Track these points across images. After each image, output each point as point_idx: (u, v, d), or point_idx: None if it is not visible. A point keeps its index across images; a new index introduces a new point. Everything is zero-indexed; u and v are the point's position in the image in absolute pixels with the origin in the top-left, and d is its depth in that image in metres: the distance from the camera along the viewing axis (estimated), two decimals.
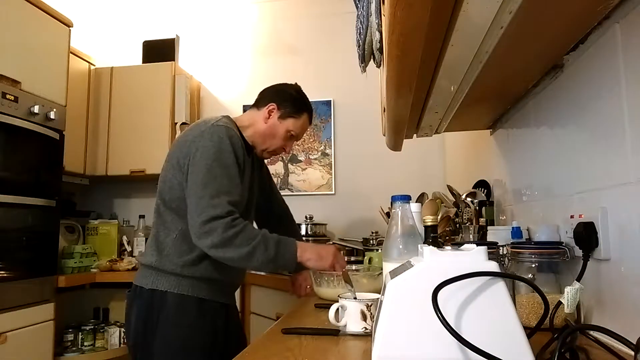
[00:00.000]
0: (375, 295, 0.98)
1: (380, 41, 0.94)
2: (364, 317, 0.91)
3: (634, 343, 0.58)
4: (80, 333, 2.53)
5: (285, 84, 1.51)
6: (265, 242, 1.22)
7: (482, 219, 1.55)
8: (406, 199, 1.01)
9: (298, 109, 1.46)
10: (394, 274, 0.69)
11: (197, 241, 1.23)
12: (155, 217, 1.38)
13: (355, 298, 0.97)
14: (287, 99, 1.46)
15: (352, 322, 0.92)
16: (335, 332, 0.92)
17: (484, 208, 1.61)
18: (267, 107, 1.45)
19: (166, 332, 1.26)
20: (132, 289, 1.35)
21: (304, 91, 1.51)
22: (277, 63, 3.09)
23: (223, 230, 1.18)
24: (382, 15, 0.80)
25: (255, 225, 1.58)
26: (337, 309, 0.92)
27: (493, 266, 0.63)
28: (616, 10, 0.78)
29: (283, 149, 1.49)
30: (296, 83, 1.53)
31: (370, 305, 0.91)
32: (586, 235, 0.85)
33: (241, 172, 1.32)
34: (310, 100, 1.51)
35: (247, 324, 2.33)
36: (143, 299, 1.30)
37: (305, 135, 3.25)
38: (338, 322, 0.92)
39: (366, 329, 0.91)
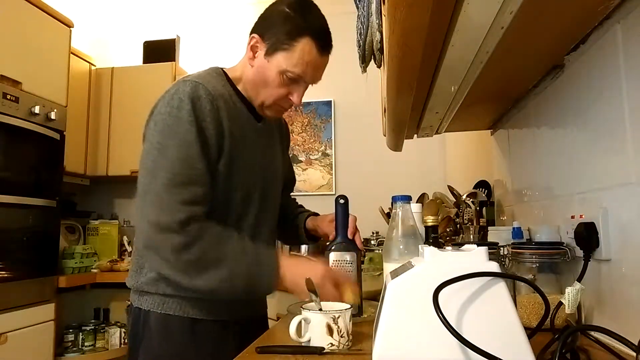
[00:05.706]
0: (344, 306, 0.85)
1: (381, 41, 0.94)
2: (330, 332, 0.78)
3: (635, 344, 0.58)
4: (80, 333, 2.53)
5: (277, 1, 1.03)
6: (232, 273, 0.91)
7: (482, 220, 1.56)
8: (407, 199, 1.01)
9: (289, 34, 0.97)
10: (394, 274, 0.68)
11: (144, 253, 0.97)
12: None
13: (320, 309, 0.83)
14: (273, 22, 1.00)
15: (317, 337, 0.78)
16: (318, 351, 0.77)
17: (484, 208, 1.61)
18: (249, 42, 1.02)
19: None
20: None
21: (311, 6, 1.03)
22: None
23: (172, 253, 0.88)
24: (383, 16, 0.80)
25: None
26: (300, 321, 0.79)
27: (494, 266, 0.63)
28: (617, 11, 0.78)
29: (288, 99, 1.04)
30: None
31: (338, 318, 0.78)
32: (587, 235, 0.85)
33: (218, 149, 0.97)
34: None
35: None
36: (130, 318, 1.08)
37: (305, 135, 3.30)
38: (300, 337, 0.79)
39: (332, 344, 0.78)
